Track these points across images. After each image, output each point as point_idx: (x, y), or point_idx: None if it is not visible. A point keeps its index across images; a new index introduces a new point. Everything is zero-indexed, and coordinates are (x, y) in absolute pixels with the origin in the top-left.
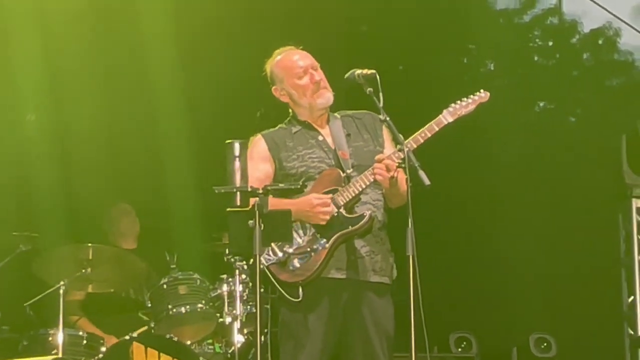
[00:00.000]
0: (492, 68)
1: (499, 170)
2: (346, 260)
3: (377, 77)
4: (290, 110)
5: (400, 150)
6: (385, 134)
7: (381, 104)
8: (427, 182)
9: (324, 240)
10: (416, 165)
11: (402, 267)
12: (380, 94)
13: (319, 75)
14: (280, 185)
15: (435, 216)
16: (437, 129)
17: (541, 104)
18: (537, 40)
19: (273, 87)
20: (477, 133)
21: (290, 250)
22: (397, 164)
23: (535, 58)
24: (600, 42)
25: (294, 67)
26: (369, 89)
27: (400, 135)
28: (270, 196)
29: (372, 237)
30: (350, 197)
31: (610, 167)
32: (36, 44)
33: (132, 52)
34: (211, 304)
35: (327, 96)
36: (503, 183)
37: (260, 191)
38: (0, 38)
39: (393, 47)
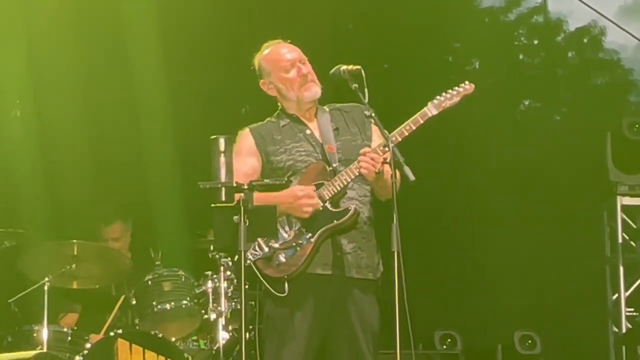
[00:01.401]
0: (477, 66)
1: (484, 167)
2: (332, 256)
3: (362, 72)
4: (278, 104)
5: (385, 145)
6: (374, 128)
7: (366, 100)
8: (411, 177)
9: (310, 234)
10: (401, 160)
11: (387, 263)
12: (366, 90)
13: (307, 68)
14: (266, 180)
15: (420, 213)
16: (422, 121)
17: (526, 103)
18: (522, 38)
19: (261, 81)
20: (463, 130)
21: (276, 245)
22: (382, 159)
23: (521, 56)
24: (585, 40)
25: (281, 61)
26: (354, 84)
27: (386, 131)
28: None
29: (357, 233)
30: (336, 190)
31: (595, 165)
32: (21, 41)
33: (115, 48)
34: (196, 300)
35: (314, 90)
36: (488, 181)
37: (245, 187)
38: None
39: (378, 46)
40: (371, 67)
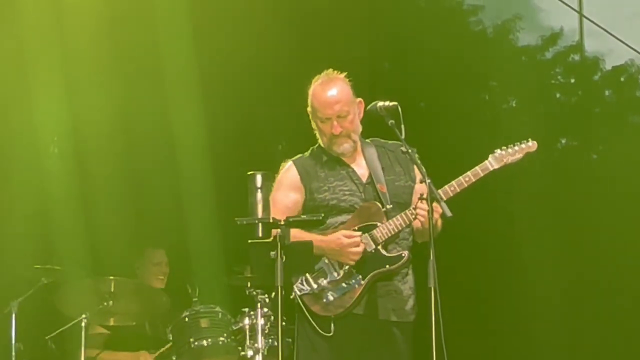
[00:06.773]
0: (513, 105)
1: (521, 207)
2: (366, 297)
3: (399, 109)
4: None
5: (422, 181)
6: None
7: (403, 136)
8: (449, 213)
9: (360, 276)
10: (438, 196)
11: (424, 300)
12: (402, 126)
13: (342, 126)
14: (302, 216)
15: (457, 251)
16: (482, 174)
17: (563, 141)
18: (559, 77)
19: (308, 108)
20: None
21: (325, 283)
22: (438, 214)
23: (557, 95)
24: (622, 79)
25: (318, 110)
26: (390, 120)
27: (423, 168)
28: (300, 230)
29: (395, 276)
30: (390, 234)
31: (633, 203)
32: (58, 79)
33: (153, 84)
34: (233, 337)
35: (344, 147)
36: (525, 220)
37: (282, 223)
38: (22, 69)
39: (415, 84)
40: (408, 106)
